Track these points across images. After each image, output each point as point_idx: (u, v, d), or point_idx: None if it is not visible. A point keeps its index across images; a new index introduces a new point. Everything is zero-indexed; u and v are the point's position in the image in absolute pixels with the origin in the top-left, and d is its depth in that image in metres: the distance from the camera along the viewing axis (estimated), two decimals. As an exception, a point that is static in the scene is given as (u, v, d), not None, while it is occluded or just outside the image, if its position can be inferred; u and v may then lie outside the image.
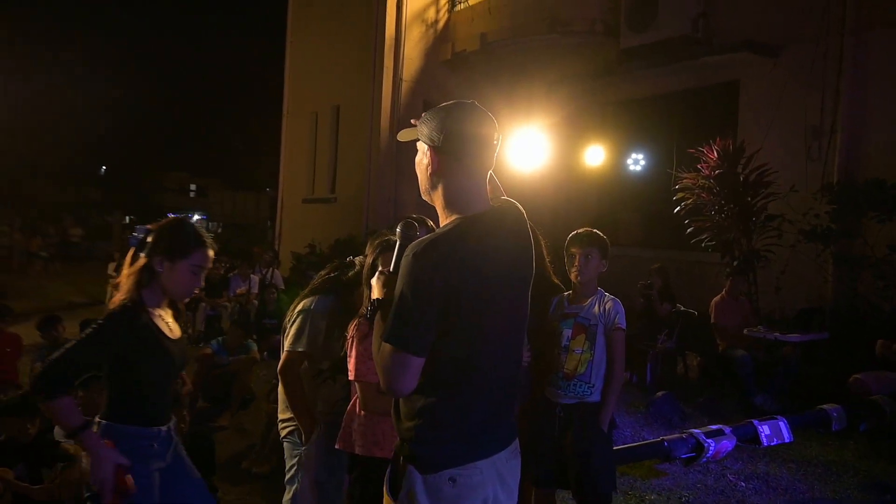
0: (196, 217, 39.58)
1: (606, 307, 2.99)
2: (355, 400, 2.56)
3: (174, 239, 2.30)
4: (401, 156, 11.24)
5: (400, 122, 11.14)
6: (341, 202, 12.14)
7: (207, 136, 39.37)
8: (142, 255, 2.30)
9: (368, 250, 2.57)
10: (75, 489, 3.30)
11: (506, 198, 1.87)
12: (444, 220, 1.75)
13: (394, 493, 1.74)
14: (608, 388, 2.96)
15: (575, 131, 10.31)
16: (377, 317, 1.73)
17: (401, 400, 1.74)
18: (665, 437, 3.68)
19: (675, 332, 6.74)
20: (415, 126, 1.82)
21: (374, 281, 1.82)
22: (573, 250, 3.07)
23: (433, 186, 1.76)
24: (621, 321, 2.98)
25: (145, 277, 2.28)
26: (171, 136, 39.05)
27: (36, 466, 3.50)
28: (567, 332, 3.00)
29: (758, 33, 8.01)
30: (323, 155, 13.06)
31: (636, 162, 9.88)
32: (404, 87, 11.16)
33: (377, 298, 1.77)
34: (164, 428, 2.31)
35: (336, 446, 2.56)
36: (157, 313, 2.32)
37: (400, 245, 1.78)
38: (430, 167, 1.74)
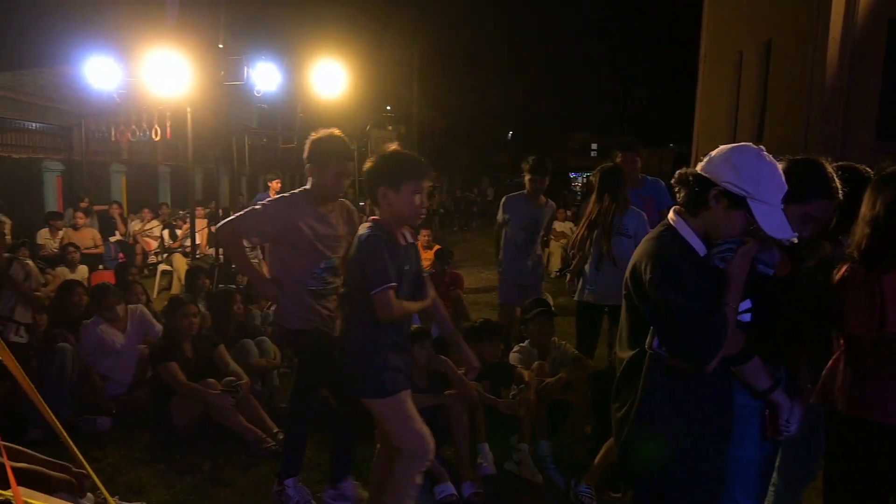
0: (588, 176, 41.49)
1: None
2: (839, 354, 2.43)
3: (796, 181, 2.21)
4: (854, 91, 9.82)
5: (854, 49, 9.70)
6: (770, 151, 11.28)
7: (610, 93, 40.71)
8: None
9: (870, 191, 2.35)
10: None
11: None
12: None
13: None
14: None
15: None
16: None
17: None
18: None
19: None
20: None
21: None
22: None
23: None
24: None
25: None
26: (574, 96, 41.45)
27: (497, 384, 4.26)
28: None
29: None
30: (748, 100, 12.28)
31: None
32: (861, 5, 9.64)
33: None
34: None
35: (812, 400, 2.48)
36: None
37: None
38: None
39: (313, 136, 3.26)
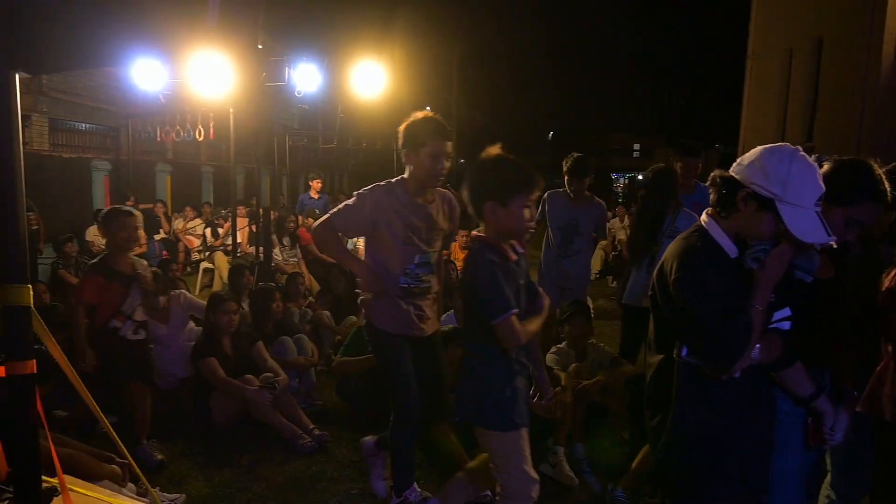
0: (639, 177, 41.20)
1: None
2: (886, 362, 2.37)
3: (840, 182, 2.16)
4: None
5: (911, 46, 9.39)
6: (820, 152, 10.96)
7: (653, 93, 40.16)
8: None
9: None
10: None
11: None
12: None
13: None
14: None
15: None
16: None
17: None
18: None
19: None
20: None
21: None
22: None
23: None
24: None
25: None
26: (615, 95, 40.93)
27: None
28: None
29: None
30: (797, 99, 11.95)
31: None
32: (919, 0, 9.32)
33: None
34: None
35: (857, 408, 2.41)
36: None
37: None
38: None
39: (405, 122, 3.06)
